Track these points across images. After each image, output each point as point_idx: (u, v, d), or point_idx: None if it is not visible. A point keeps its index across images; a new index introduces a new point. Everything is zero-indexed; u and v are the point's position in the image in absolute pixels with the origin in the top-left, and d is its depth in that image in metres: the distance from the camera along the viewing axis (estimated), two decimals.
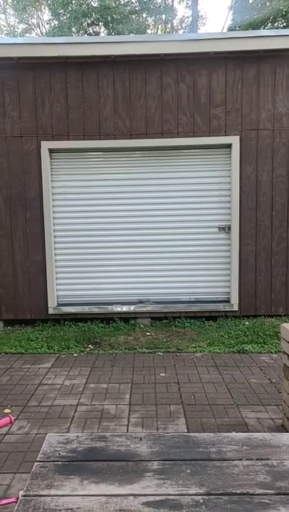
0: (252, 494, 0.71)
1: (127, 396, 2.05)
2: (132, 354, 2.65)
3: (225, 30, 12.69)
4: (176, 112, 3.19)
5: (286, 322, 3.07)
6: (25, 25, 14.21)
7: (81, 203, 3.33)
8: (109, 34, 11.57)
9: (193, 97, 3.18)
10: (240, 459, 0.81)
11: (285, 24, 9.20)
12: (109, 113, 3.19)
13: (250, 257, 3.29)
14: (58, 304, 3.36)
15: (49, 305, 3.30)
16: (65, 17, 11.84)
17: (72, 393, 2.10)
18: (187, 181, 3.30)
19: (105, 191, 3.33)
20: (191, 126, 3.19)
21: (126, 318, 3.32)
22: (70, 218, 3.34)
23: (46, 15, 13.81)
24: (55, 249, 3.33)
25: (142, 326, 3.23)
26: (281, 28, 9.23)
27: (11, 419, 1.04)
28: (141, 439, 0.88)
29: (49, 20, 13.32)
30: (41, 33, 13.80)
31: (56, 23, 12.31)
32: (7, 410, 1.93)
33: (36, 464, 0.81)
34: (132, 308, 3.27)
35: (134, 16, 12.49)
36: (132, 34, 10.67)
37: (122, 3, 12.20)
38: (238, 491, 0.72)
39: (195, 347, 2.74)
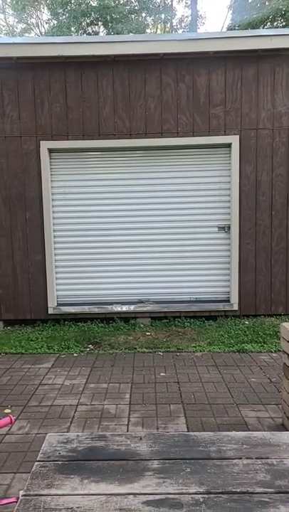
0: (252, 493, 0.71)
1: (127, 396, 2.05)
2: (132, 354, 2.65)
3: (224, 29, 12.70)
4: (176, 111, 3.19)
5: (286, 321, 3.08)
6: (25, 25, 14.19)
7: (81, 202, 3.33)
8: (108, 34, 11.56)
9: (193, 96, 3.18)
10: (240, 458, 0.81)
11: (284, 23, 9.19)
12: (108, 113, 3.19)
13: (249, 256, 3.29)
14: (58, 303, 3.36)
15: (49, 305, 3.30)
16: (64, 17, 11.82)
17: (73, 393, 2.10)
18: (187, 181, 3.30)
19: (105, 191, 3.33)
20: (191, 126, 3.19)
21: (126, 318, 3.32)
22: (69, 218, 3.34)
23: (45, 14, 13.83)
24: (54, 249, 3.32)
25: (141, 325, 3.23)
26: (280, 27, 9.22)
27: (11, 419, 1.04)
28: (141, 439, 0.88)
29: (48, 20, 13.31)
30: (40, 33, 13.79)
31: (55, 22, 12.29)
32: (7, 410, 1.93)
33: (36, 463, 0.81)
34: (131, 308, 3.28)
35: (133, 16, 12.48)
36: (131, 34, 10.65)
37: (121, 2, 12.18)
38: (238, 490, 0.72)
39: (195, 346, 2.74)
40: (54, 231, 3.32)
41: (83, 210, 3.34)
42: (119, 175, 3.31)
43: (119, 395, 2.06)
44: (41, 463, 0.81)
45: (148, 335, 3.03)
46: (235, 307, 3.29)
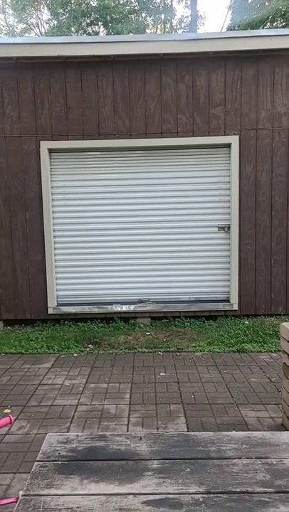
0: (251, 492, 0.71)
1: (127, 396, 2.05)
2: (132, 354, 2.65)
3: (224, 30, 12.70)
4: (176, 111, 3.19)
5: (286, 321, 3.07)
6: (25, 25, 14.19)
7: (81, 202, 3.33)
8: (108, 34, 11.56)
9: (193, 96, 3.18)
10: (240, 458, 0.81)
11: (284, 24, 9.20)
12: (108, 113, 3.19)
13: (249, 256, 3.29)
14: (58, 303, 3.35)
15: (49, 305, 3.30)
16: (64, 17, 11.82)
17: (72, 393, 2.10)
18: (187, 181, 3.30)
19: (105, 191, 3.33)
20: (191, 126, 3.19)
21: (126, 317, 3.32)
22: (69, 218, 3.34)
23: (45, 15, 13.81)
24: (54, 249, 3.32)
25: (141, 325, 3.23)
26: (280, 27, 9.22)
27: (10, 419, 1.04)
28: (141, 439, 0.88)
29: (48, 20, 13.31)
30: (40, 33, 13.79)
31: (55, 22, 12.30)
32: (7, 410, 1.93)
33: (36, 463, 0.81)
34: (131, 307, 3.28)
35: (133, 16, 12.48)
36: (131, 34, 10.65)
37: (121, 2, 12.18)
38: (238, 490, 0.72)
39: (195, 346, 2.74)
40: (54, 231, 3.32)
41: (83, 210, 3.34)
42: (119, 175, 3.31)
43: (119, 394, 2.06)
44: (41, 463, 0.81)
45: (148, 335, 3.03)
46: (235, 307, 3.29)
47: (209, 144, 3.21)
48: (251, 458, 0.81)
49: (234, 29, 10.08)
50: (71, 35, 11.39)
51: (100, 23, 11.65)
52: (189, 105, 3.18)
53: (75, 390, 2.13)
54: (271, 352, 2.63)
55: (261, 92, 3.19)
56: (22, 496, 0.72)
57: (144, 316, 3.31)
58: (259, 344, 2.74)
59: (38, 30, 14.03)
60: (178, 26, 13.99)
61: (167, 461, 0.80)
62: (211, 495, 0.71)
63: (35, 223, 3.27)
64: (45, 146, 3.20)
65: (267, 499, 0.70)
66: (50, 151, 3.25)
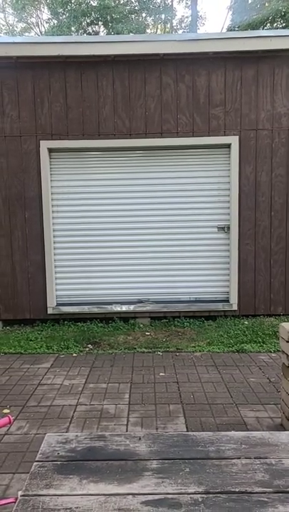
0: (250, 492, 0.72)
1: (127, 396, 2.05)
2: (132, 354, 2.65)
3: (224, 30, 12.71)
4: (176, 111, 3.19)
5: (285, 322, 3.08)
6: (25, 25, 14.18)
7: (80, 202, 3.33)
8: (108, 33, 11.56)
9: (193, 97, 3.18)
10: (239, 458, 0.81)
11: (284, 24, 9.21)
12: (108, 113, 3.19)
13: (249, 256, 3.29)
14: (57, 303, 3.35)
15: (48, 305, 3.30)
16: (64, 16, 11.81)
17: (72, 393, 2.10)
18: (186, 181, 3.30)
19: (104, 191, 3.33)
20: (191, 126, 3.20)
21: (125, 317, 3.32)
22: (69, 218, 3.34)
23: (45, 14, 13.80)
24: (54, 248, 3.32)
25: (141, 325, 3.23)
26: (280, 28, 9.23)
27: (10, 419, 1.04)
28: (140, 439, 0.88)
29: (48, 20, 13.30)
30: (40, 33, 13.77)
31: (55, 22, 12.29)
32: (6, 410, 1.93)
33: (35, 463, 0.81)
34: (131, 307, 3.28)
35: (133, 16, 12.48)
36: (131, 34, 10.65)
37: (121, 2, 12.18)
38: (237, 490, 0.72)
39: (194, 346, 2.74)
40: (53, 231, 3.32)
41: (83, 209, 3.33)
42: (119, 175, 3.31)
43: (118, 395, 2.06)
44: (40, 463, 0.81)
45: (147, 335, 3.03)
46: (235, 307, 3.29)
47: (209, 144, 3.21)
48: (250, 458, 0.81)
49: (234, 30, 10.09)
50: (71, 34, 11.38)
51: (100, 22, 11.65)
52: (189, 105, 3.18)
53: (75, 390, 2.13)
54: (270, 352, 2.63)
55: (261, 93, 3.19)
56: (21, 496, 0.72)
57: (144, 316, 3.31)
58: (258, 344, 2.74)
59: (38, 29, 14.03)
60: (178, 26, 14.01)
61: (166, 461, 0.80)
62: (210, 495, 0.71)
63: (34, 223, 3.27)
64: (45, 145, 3.20)
65: (266, 499, 0.70)
66: (50, 150, 3.25)
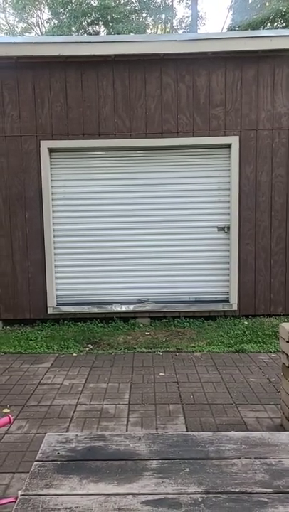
0: (250, 493, 0.72)
1: (126, 396, 2.05)
2: (132, 354, 2.65)
3: (224, 30, 12.70)
4: (176, 111, 3.19)
5: (285, 322, 3.08)
6: (25, 25, 14.18)
7: (81, 202, 3.33)
8: (108, 33, 11.55)
9: (193, 97, 3.18)
10: (239, 458, 0.81)
11: (284, 24, 9.21)
12: (108, 113, 3.19)
13: (249, 256, 3.29)
14: (58, 303, 3.35)
15: (48, 305, 3.30)
16: (64, 16, 11.81)
17: (72, 393, 2.10)
18: (187, 181, 3.30)
19: (105, 191, 3.33)
20: (191, 126, 3.20)
21: (125, 317, 3.32)
22: (69, 218, 3.34)
23: (46, 14, 13.80)
24: (54, 248, 3.32)
25: (141, 325, 3.23)
26: (280, 28, 9.23)
27: (10, 418, 1.04)
28: (140, 439, 0.88)
29: (49, 20, 13.30)
30: (41, 32, 13.77)
31: (56, 22, 12.29)
32: (6, 410, 1.93)
33: (35, 463, 0.81)
34: (131, 307, 3.28)
35: (133, 16, 12.48)
36: (131, 34, 10.65)
37: (121, 2, 12.18)
38: (237, 490, 0.72)
39: (194, 346, 2.74)
40: (54, 230, 3.32)
41: (83, 209, 3.34)
42: (119, 175, 3.31)
43: (118, 394, 2.06)
44: (40, 463, 0.81)
45: (147, 335, 3.03)
46: (235, 307, 3.29)
47: (209, 144, 3.21)
48: (250, 458, 0.81)
49: (235, 29, 10.09)
50: (72, 34, 11.38)
51: (100, 22, 11.65)
52: (189, 105, 3.18)
53: (74, 390, 2.13)
54: (270, 352, 2.63)
55: (261, 93, 3.19)
56: (21, 495, 0.72)
57: (144, 316, 3.31)
58: (258, 344, 2.74)
59: (38, 29, 14.03)
60: (178, 26, 14.00)
61: (166, 461, 0.80)
62: (210, 495, 0.71)
63: (35, 223, 3.27)
64: (45, 145, 3.20)
65: (266, 499, 0.70)
66: (51, 150, 3.25)
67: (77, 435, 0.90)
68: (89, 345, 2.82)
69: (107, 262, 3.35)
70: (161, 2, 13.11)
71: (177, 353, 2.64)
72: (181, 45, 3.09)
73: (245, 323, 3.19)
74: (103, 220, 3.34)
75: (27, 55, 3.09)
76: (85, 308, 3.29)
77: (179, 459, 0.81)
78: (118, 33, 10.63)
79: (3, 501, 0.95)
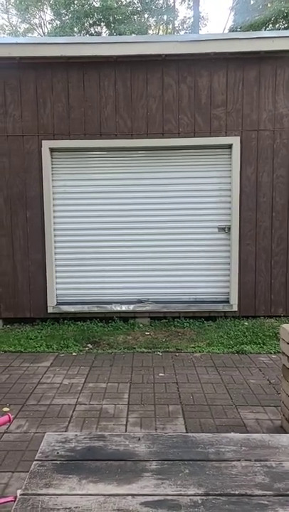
0: (250, 495, 0.71)
1: (126, 396, 2.04)
2: (131, 354, 2.65)
3: (226, 31, 12.72)
4: (177, 112, 3.19)
5: (285, 323, 3.07)
6: (28, 25, 14.23)
7: (81, 202, 3.33)
8: (110, 34, 11.59)
9: (194, 97, 3.18)
10: (239, 460, 0.81)
11: (286, 25, 9.21)
12: (110, 113, 3.20)
13: (249, 257, 3.29)
14: (58, 302, 3.35)
15: (48, 304, 3.30)
16: (67, 17, 11.85)
17: (71, 392, 2.10)
18: (187, 181, 3.30)
19: (105, 191, 3.33)
20: (192, 127, 3.20)
21: (125, 317, 3.32)
22: (70, 217, 3.34)
23: (48, 15, 13.84)
24: (55, 248, 3.32)
25: (141, 325, 3.23)
26: (282, 29, 9.24)
27: (9, 417, 1.03)
28: (139, 439, 0.88)
29: (51, 21, 13.35)
30: (43, 33, 13.82)
31: (58, 23, 12.33)
32: (6, 409, 1.93)
33: (35, 462, 0.81)
34: (131, 307, 3.27)
35: (135, 17, 12.51)
36: (133, 34, 10.68)
37: (123, 3, 12.21)
38: (237, 492, 0.72)
39: (194, 347, 2.73)
40: (54, 230, 3.32)
41: (84, 209, 3.34)
42: (120, 175, 3.31)
43: (117, 394, 2.06)
44: (39, 462, 0.81)
45: (147, 335, 3.02)
46: (235, 308, 3.29)
47: (210, 144, 3.21)
48: (250, 460, 0.81)
49: (236, 30, 10.10)
50: (74, 35, 11.42)
51: (102, 23, 11.69)
52: (191, 106, 3.18)
53: (74, 390, 2.13)
54: (270, 353, 2.62)
55: (263, 94, 3.19)
56: (20, 495, 0.72)
57: (144, 316, 3.31)
58: (258, 346, 2.74)
59: (41, 30, 14.08)
60: (180, 27, 14.02)
61: (166, 462, 0.80)
62: (210, 497, 0.71)
63: (35, 222, 3.27)
64: (46, 145, 3.20)
65: (266, 502, 0.69)
66: (52, 150, 3.25)
67: (76, 435, 0.90)
68: (89, 345, 2.82)
69: (107, 262, 3.35)
70: (163, 3, 13.15)
71: (177, 354, 2.63)
72: (182, 46, 3.09)
73: (246, 324, 3.19)
74: (104, 220, 3.34)
75: (29, 55, 3.10)
76: (85, 308, 3.29)
77: (179, 460, 0.80)
78: (120, 34, 10.66)
79: (2, 500, 0.95)
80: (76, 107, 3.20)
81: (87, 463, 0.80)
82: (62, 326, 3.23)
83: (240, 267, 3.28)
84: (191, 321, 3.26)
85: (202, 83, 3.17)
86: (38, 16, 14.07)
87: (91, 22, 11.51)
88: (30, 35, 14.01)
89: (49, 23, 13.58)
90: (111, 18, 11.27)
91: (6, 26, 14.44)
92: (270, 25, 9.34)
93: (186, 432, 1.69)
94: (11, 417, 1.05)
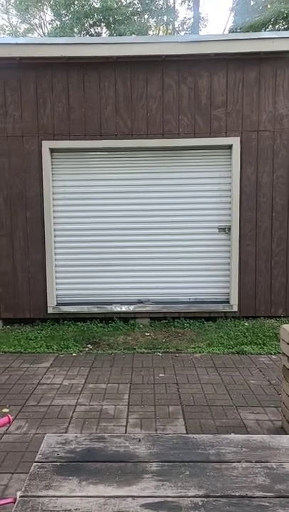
0: (251, 497, 0.71)
1: (126, 396, 2.04)
2: (131, 354, 2.65)
3: (226, 32, 12.74)
4: (177, 112, 3.19)
5: (286, 323, 3.06)
6: (28, 26, 14.24)
7: (81, 202, 3.33)
8: (111, 35, 11.61)
9: (194, 98, 3.19)
10: (240, 461, 0.81)
11: (286, 26, 9.23)
12: (110, 113, 3.20)
13: (250, 257, 3.29)
14: (58, 303, 3.35)
15: (48, 304, 3.30)
16: (67, 18, 11.87)
17: (71, 393, 2.09)
18: (187, 182, 3.30)
19: (105, 191, 3.33)
20: (192, 127, 3.20)
21: (125, 318, 3.32)
22: (70, 218, 3.34)
23: (48, 15, 13.86)
24: (55, 248, 3.32)
25: (141, 326, 3.23)
26: (282, 30, 9.26)
27: (9, 418, 1.03)
28: (140, 440, 0.88)
29: (51, 21, 13.36)
30: (43, 34, 13.83)
31: (58, 23, 12.34)
32: (5, 410, 1.92)
33: (35, 464, 0.80)
34: (131, 308, 3.27)
35: (135, 17, 12.53)
36: (133, 35, 10.69)
37: (124, 4, 12.23)
38: (237, 494, 0.72)
39: (194, 347, 2.73)
40: (54, 230, 3.32)
41: (84, 209, 3.34)
42: (120, 175, 3.31)
43: (117, 395, 2.06)
44: (39, 464, 0.80)
45: (147, 335, 3.02)
46: (235, 308, 3.29)
47: (210, 145, 3.22)
48: (251, 462, 0.81)
49: (236, 31, 10.11)
50: (74, 36, 11.43)
51: (102, 24, 11.70)
52: (191, 106, 3.18)
53: (74, 390, 2.12)
54: (271, 354, 2.62)
55: (263, 94, 3.19)
56: (20, 497, 0.71)
57: (144, 317, 3.31)
58: (259, 346, 2.73)
59: (41, 30, 14.09)
60: (180, 28, 14.04)
61: (166, 463, 0.80)
62: (210, 498, 0.70)
63: (35, 223, 3.27)
64: (46, 145, 3.20)
65: (266, 504, 0.69)
66: (52, 150, 3.25)
67: (76, 436, 0.90)
68: (89, 346, 2.82)
69: (107, 262, 3.35)
70: (163, 4, 13.17)
71: (177, 354, 2.63)
72: (183, 46, 3.09)
73: (246, 324, 3.18)
74: (104, 220, 3.34)
75: (29, 56, 3.10)
76: (85, 308, 3.29)
77: (179, 462, 0.80)
78: (120, 35, 10.67)
79: (2, 502, 0.95)
80: (76, 108, 3.20)
81: (87, 464, 0.80)
82: (62, 327, 3.23)
83: (241, 268, 3.28)
84: (191, 321, 3.26)
85: (202, 84, 3.18)
86: (38, 17, 14.10)
87: (91, 22, 11.52)
88: (30, 35, 14.03)
89: (49, 24, 13.60)
90: (111, 19, 11.28)
91: (6, 26, 14.46)
92: (270, 26, 9.36)
93: (187, 433, 1.69)
94: (11, 418, 1.04)
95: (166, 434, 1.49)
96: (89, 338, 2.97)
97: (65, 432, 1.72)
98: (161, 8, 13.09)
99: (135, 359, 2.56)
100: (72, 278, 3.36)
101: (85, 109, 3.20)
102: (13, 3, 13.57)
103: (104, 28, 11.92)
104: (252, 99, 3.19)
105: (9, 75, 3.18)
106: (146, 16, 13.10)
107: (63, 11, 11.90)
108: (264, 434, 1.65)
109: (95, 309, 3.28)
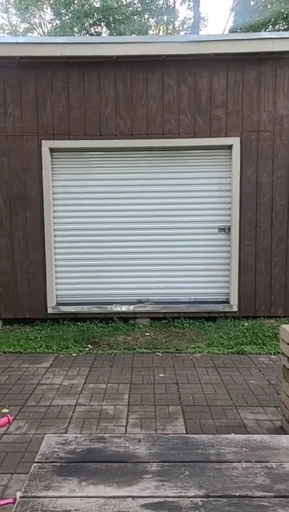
0: (251, 497, 0.71)
1: (126, 396, 2.04)
2: (131, 354, 2.65)
3: (226, 32, 12.74)
4: (177, 112, 3.19)
5: (285, 323, 3.07)
6: (28, 25, 14.23)
7: (81, 202, 3.33)
8: (111, 34, 11.60)
9: (195, 98, 3.19)
10: (240, 461, 0.81)
11: (286, 26, 9.24)
12: (110, 113, 3.20)
13: (249, 258, 3.29)
14: (57, 303, 3.35)
15: (48, 304, 3.30)
16: (67, 17, 11.85)
17: (71, 393, 2.09)
18: (187, 182, 3.30)
19: (105, 191, 3.33)
20: (192, 127, 3.20)
21: (125, 318, 3.32)
22: (70, 218, 3.34)
23: (48, 14, 13.84)
24: (54, 248, 3.32)
25: (141, 326, 3.23)
26: (282, 30, 9.26)
27: (9, 419, 1.03)
28: (140, 441, 0.88)
29: (51, 20, 13.35)
30: (43, 33, 13.82)
31: (58, 22, 12.33)
32: (5, 410, 1.92)
33: (34, 464, 0.80)
34: (131, 308, 3.27)
35: (136, 17, 12.52)
36: (133, 35, 10.68)
37: (124, 3, 12.23)
38: (237, 494, 0.72)
39: (194, 348, 2.73)
40: (54, 230, 3.32)
41: (83, 209, 3.33)
42: (120, 175, 3.31)
43: (117, 395, 2.06)
44: (39, 464, 0.80)
45: (147, 335, 3.02)
46: (235, 308, 3.29)
47: (210, 145, 3.22)
48: (251, 462, 0.81)
49: (236, 31, 10.12)
50: (74, 35, 11.42)
51: (102, 23, 11.69)
52: (191, 106, 3.18)
53: (74, 390, 2.12)
54: (270, 354, 2.62)
55: (263, 94, 3.19)
56: (20, 497, 0.71)
57: (144, 317, 3.31)
58: (258, 346, 2.74)
59: (40, 30, 14.08)
60: (180, 28, 14.05)
61: (166, 463, 0.80)
62: (211, 499, 0.70)
63: (35, 222, 3.27)
64: (46, 145, 3.20)
65: (266, 503, 0.69)
66: (52, 150, 3.25)
67: (76, 437, 0.90)
68: (88, 346, 2.82)
69: (107, 262, 3.35)
70: (164, 4, 13.17)
71: (177, 354, 2.63)
72: (183, 46, 3.09)
73: (246, 324, 3.19)
74: (103, 220, 3.33)
75: (29, 55, 3.09)
76: (85, 308, 3.28)
77: (179, 462, 0.80)
78: (120, 34, 10.66)
79: (2, 502, 0.95)
80: (76, 107, 3.20)
81: (87, 465, 0.80)
82: (62, 327, 3.23)
83: (240, 268, 3.28)
84: (191, 321, 3.26)
85: (202, 84, 3.18)
86: (37, 16, 14.08)
87: (91, 22, 11.51)
88: (30, 34, 14.00)
89: (49, 23, 13.59)
90: (111, 18, 11.27)
91: (6, 26, 14.44)
92: (270, 26, 9.37)
93: (186, 433, 1.69)
94: (11, 418, 1.04)
95: (166, 434, 1.50)
96: (89, 338, 2.97)
97: (65, 433, 1.71)
98: (162, 7, 13.09)
99: (135, 359, 2.56)
100: (72, 278, 3.36)
101: (85, 109, 3.20)
102: (13, 3, 13.55)
103: (105, 27, 11.91)
104: (252, 99, 3.19)
105: (9, 74, 3.18)
106: (146, 16, 13.09)
107: (63, 10, 11.89)
108: (264, 434, 1.65)
109: (94, 309, 3.28)
